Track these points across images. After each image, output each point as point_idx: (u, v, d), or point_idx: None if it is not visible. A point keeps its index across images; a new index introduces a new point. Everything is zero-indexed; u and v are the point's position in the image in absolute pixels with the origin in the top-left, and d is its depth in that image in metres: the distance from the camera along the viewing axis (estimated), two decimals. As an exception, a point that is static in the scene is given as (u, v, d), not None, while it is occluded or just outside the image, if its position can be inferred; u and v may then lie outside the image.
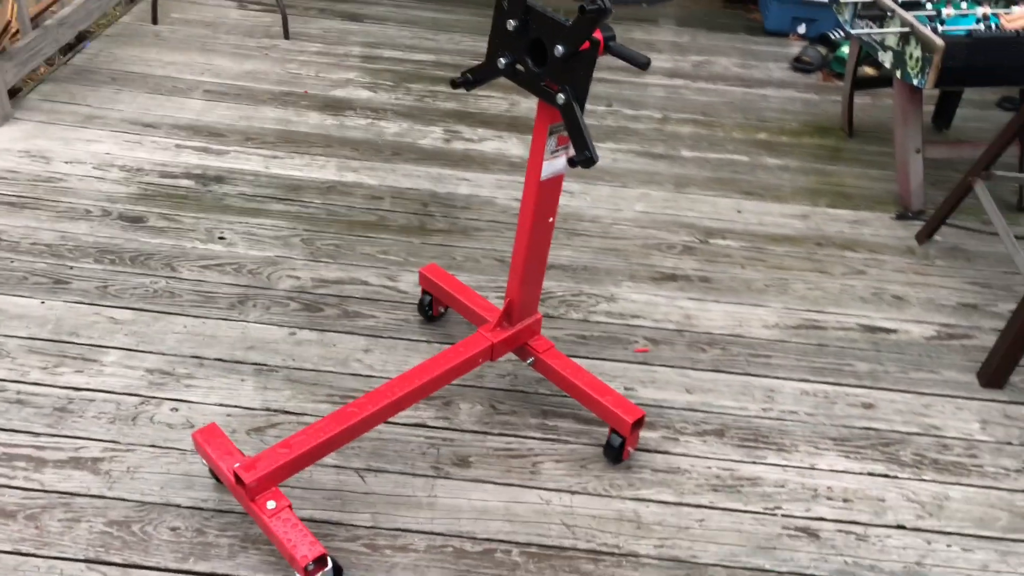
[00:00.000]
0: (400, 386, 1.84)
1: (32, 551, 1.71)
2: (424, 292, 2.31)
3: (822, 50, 3.97)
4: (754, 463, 2.03)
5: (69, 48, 3.52)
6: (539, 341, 2.06)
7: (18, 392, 2.04)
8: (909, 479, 2.02)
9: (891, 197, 3.05)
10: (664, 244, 2.74)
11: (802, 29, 4.19)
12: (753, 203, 2.98)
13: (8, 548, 1.71)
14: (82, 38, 3.61)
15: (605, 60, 3.89)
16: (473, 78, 1.76)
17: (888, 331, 2.46)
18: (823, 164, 3.24)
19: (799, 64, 3.91)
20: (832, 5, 3.13)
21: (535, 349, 2.04)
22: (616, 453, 1.96)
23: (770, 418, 2.15)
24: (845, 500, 1.95)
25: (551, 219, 1.87)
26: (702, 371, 2.27)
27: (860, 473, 2.02)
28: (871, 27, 2.91)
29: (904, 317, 2.51)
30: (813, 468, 2.03)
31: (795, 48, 4.08)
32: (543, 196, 1.80)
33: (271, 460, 1.68)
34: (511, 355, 2.13)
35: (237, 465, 1.66)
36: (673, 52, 4.03)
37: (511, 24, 1.63)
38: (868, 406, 2.21)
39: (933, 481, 2.02)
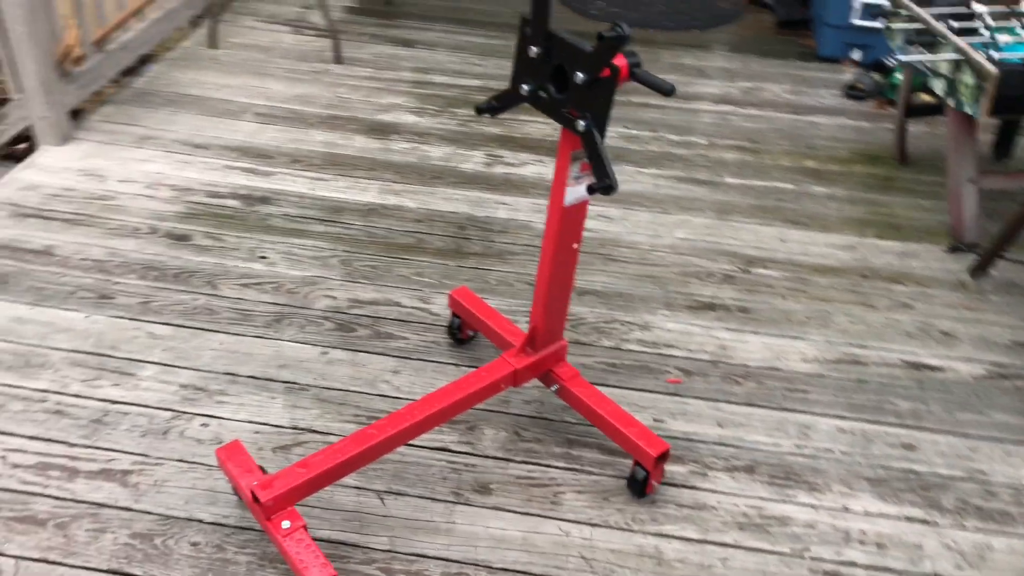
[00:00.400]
0: (420, 409, 1.84)
1: (59, 559, 1.75)
2: (453, 315, 2.32)
3: (876, 77, 3.88)
4: (784, 502, 1.97)
5: (132, 71, 3.65)
6: (564, 368, 2.04)
7: (58, 403, 2.10)
8: (950, 526, 1.93)
9: (944, 229, 2.95)
10: (703, 272, 2.70)
11: (856, 55, 4.10)
12: (798, 232, 2.92)
13: (36, 555, 1.76)
14: (144, 61, 3.74)
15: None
16: (497, 104, 1.76)
17: (934, 368, 2.37)
18: (873, 193, 3.16)
19: (852, 91, 3.83)
20: (884, 31, 3.06)
21: (560, 376, 2.02)
22: (640, 487, 1.93)
23: (803, 455, 2.09)
24: (879, 545, 1.88)
25: (575, 245, 1.85)
26: (735, 404, 2.22)
27: (896, 517, 1.94)
28: (923, 53, 2.83)
29: (952, 354, 2.42)
30: (846, 509, 1.96)
31: (848, 75, 3.99)
32: (566, 222, 1.79)
33: (288, 480, 1.69)
34: (537, 381, 2.12)
35: (254, 483, 1.68)
36: (723, 78, 3.98)
37: (534, 51, 1.64)
38: (908, 447, 2.13)
39: (976, 530, 1.93)
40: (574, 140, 1.67)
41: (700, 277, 2.67)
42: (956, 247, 2.84)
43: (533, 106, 1.71)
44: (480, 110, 1.78)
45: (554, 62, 1.63)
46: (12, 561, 1.74)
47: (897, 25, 2.98)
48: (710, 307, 2.55)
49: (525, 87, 1.69)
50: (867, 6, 3.89)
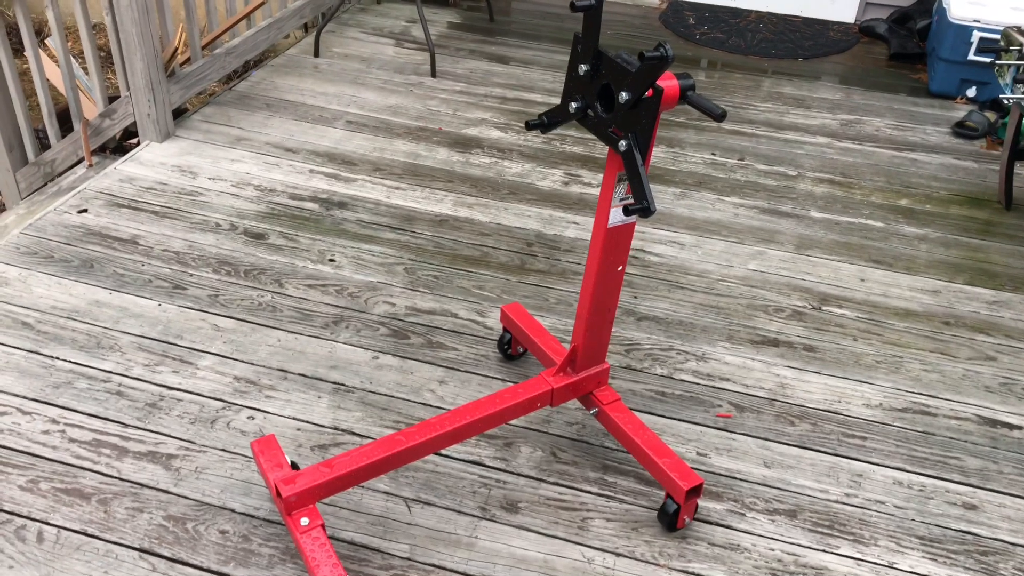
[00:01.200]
0: (451, 420, 1.84)
1: (96, 533, 1.83)
2: (505, 329, 2.31)
3: (990, 115, 3.66)
4: (824, 551, 1.86)
5: (237, 74, 3.82)
6: (605, 392, 2.00)
7: (120, 384, 2.20)
8: (1005, 596, 1.79)
9: (1044, 279, 2.76)
10: (772, 306, 2.60)
11: (972, 92, 3.89)
12: (880, 272, 2.78)
13: (77, 527, 1.84)
14: (250, 66, 3.91)
15: (747, 113, 3.78)
16: (547, 121, 1.75)
17: (1011, 427, 2.21)
18: (969, 237, 2.98)
19: (962, 129, 3.63)
20: (993, 67, 2.89)
21: (599, 400, 1.98)
22: (670, 520, 1.86)
23: (852, 505, 1.97)
24: (922, 608, 1.76)
25: (620, 268, 1.82)
26: (786, 445, 2.13)
27: (946, 580, 1.82)
28: (1031, 92, 2.66)
29: (1034, 413, 2.25)
30: (892, 567, 1.84)
31: (960, 112, 3.79)
32: (610, 243, 1.76)
33: (311, 477, 1.72)
34: (582, 404, 2.08)
35: (278, 478, 1.71)
36: (822, 109, 3.85)
37: (582, 69, 1.62)
38: (970, 507, 1.98)
39: (1035, 602, 1.78)
40: (619, 162, 1.64)
41: (768, 311, 2.58)
42: (1054, 300, 2.65)
43: (580, 124, 1.69)
44: (530, 125, 1.77)
45: (602, 81, 1.61)
46: (55, 530, 1.83)
47: (1007, 62, 2.81)
48: (774, 343, 2.45)
49: (574, 104, 1.67)
50: (983, 40, 3.68)
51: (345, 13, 4.56)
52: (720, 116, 1.55)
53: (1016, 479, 2.06)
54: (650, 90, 1.50)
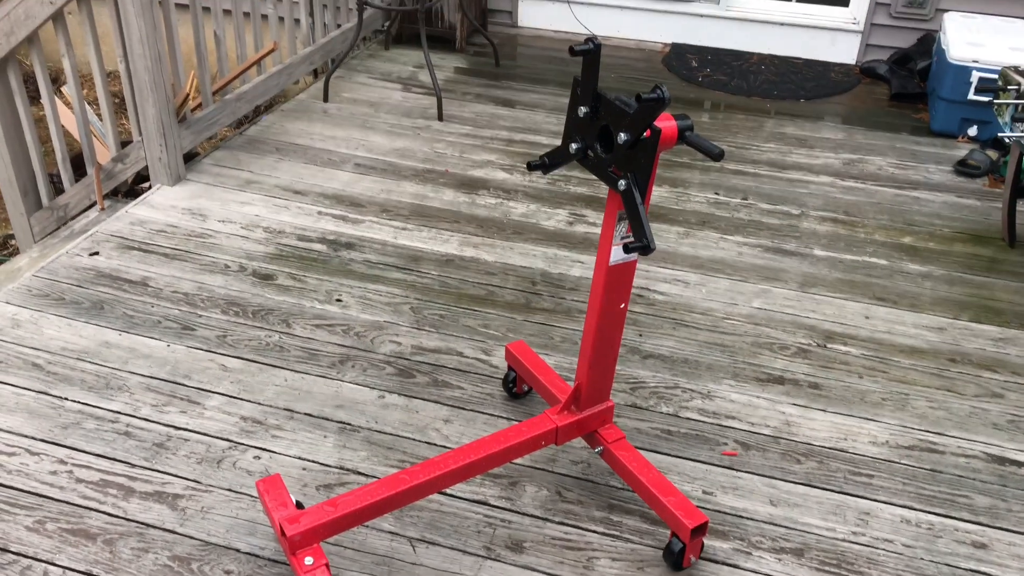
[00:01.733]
0: (455, 459, 1.84)
1: (101, 574, 1.83)
2: (510, 368, 2.32)
3: (992, 154, 3.69)
4: (832, 591, 1.85)
5: (247, 119, 3.89)
6: (609, 430, 2.00)
7: (127, 425, 2.22)
8: (1016, 636, 1.77)
9: (1049, 316, 2.76)
10: (777, 344, 2.60)
11: (973, 131, 3.92)
12: (884, 310, 2.78)
13: (82, 568, 1.84)
14: (260, 110, 3.98)
15: (750, 153, 3.81)
16: (548, 162, 1.78)
17: (1020, 464, 2.19)
18: (973, 275, 2.98)
19: (963, 167, 3.65)
20: (991, 106, 2.92)
21: (604, 438, 1.99)
22: (676, 559, 1.85)
23: (860, 543, 1.96)
24: (932, 648, 1.74)
25: (623, 305, 1.83)
26: (792, 483, 2.12)
27: (956, 620, 1.80)
28: (1029, 131, 2.69)
29: (1042, 450, 2.24)
30: (900, 606, 1.82)
31: (962, 151, 3.82)
32: (612, 281, 1.78)
33: (315, 516, 1.72)
34: (587, 443, 2.09)
35: (282, 517, 1.72)
36: (824, 148, 3.88)
37: (582, 111, 1.65)
38: (980, 546, 1.96)
39: (1046, 642, 1.76)
40: (619, 201, 1.67)
41: (773, 349, 2.58)
42: (1060, 336, 2.64)
43: (581, 164, 1.72)
44: (532, 166, 1.81)
45: (601, 122, 1.64)
46: (60, 571, 1.83)
47: (1005, 101, 2.84)
48: (779, 380, 2.45)
49: (574, 145, 1.71)
50: (982, 80, 3.72)
51: (354, 59, 4.65)
52: (718, 156, 1.58)
53: (1025, 517, 2.04)
54: (648, 130, 1.53)
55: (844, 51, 4.82)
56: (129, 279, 2.78)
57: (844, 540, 1.97)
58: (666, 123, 1.57)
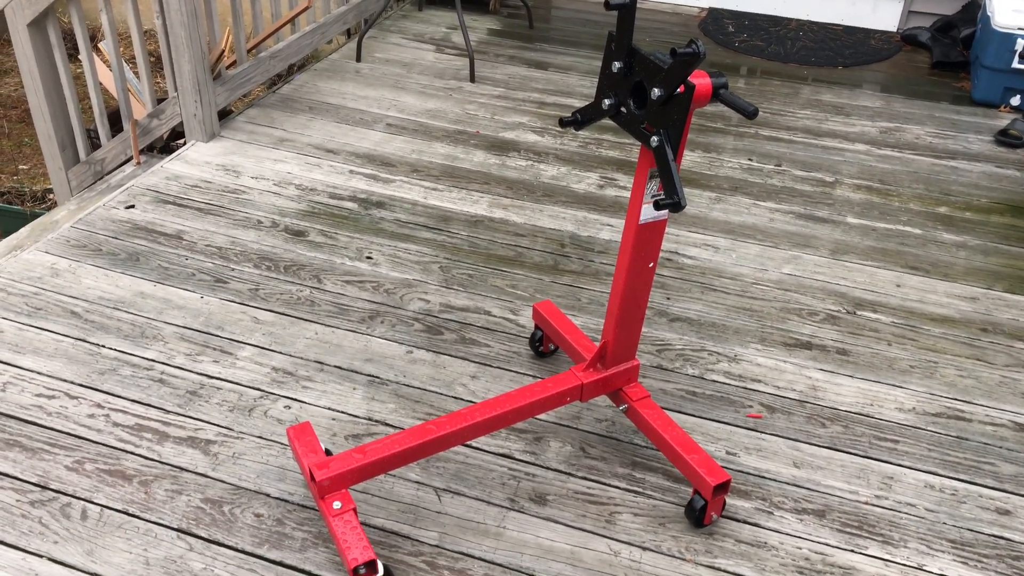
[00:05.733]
0: (481, 411, 1.87)
1: (137, 513, 1.89)
2: (536, 327, 2.34)
3: (1034, 124, 3.62)
4: (852, 551, 1.86)
5: (281, 77, 3.91)
6: (635, 388, 2.02)
7: (162, 372, 2.27)
8: (1037, 601, 1.77)
9: (1085, 288, 2.72)
10: (806, 310, 2.59)
11: (1016, 101, 3.84)
12: (917, 278, 2.76)
13: (119, 507, 1.90)
14: (293, 69, 4.00)
15: (785, 119, 3.77)
16: (581, 118, 1.78)
17: (1048, 434, 2.18)
18: (1009, 245, 2.94)
19: (1004, 138, 3.59)
20: (1035, 74, 2.87)
21: (629, 396, 2.00)
22: (697, 516, 1.87)
23: (882, 507, 1.97)
24: (951, 610, 1.75)
25: (651, 264, 1.84)
26: (816, 446, 2.12)
27: (977, 584, 1.80)
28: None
29: (1072, 421, 2.22)
30: (921, 569, 1.83)
31: (1003, 121, 3.74)
32: (642, 239, 1.78)
33: (344, 463, 1.76)
34: (611, 401, 2.10)
35: (312, 462, 1.76)
36: (861, 116, 3.83)
37: (616, 66, 1.65)
38: (1003, 512, 1.96)
39: (1067, 608, 1.76)
40: (651, 158, 1.67)
41: (801, 315, 2.57)
42: (1096, 308, 2.61)
43: (614, 120, 1.71)
44: (564, 123, 1.81)
45: (635, 78, 1.63)
46: (98, 509, 1.89)
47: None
48: (807, 346, 2.45)
49: (607, 101, 1.70)
50: (1027, 48, 3.64)
51: (387, 20, 4.64)
52: (752, 114, 1.57)
53: (1051, 486, 2.04)
54: (682, 87, 1.53)
55: (885, 18, 4.73)
56: (164, 232, 2.82)
57: (867, 503, 1.97)
58: (700, 80, 1.56)
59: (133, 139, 3.26)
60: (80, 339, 2.36)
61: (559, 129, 3.60)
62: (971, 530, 1.92)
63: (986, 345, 2.48)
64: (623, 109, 1.68)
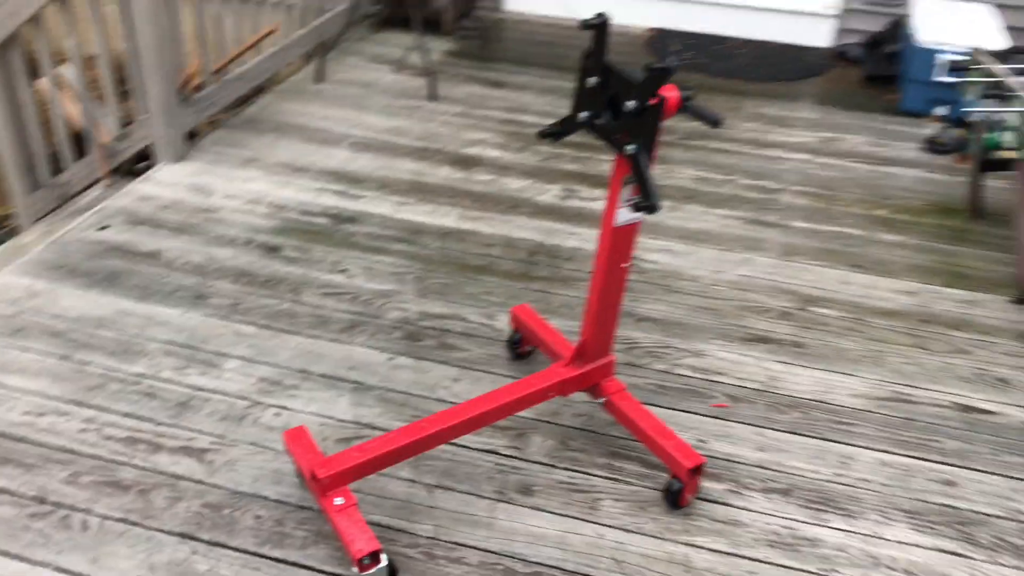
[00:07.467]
0: (470, 409, 1.98)
1: (138, 520, 1.95)
2: (514, 330, 2.46)
3: (959, 132, 3.87)
4: (817, 525, 2.02)
5: (245, 99, 3.98)
6: (611, 383, 2.15)
7: (150, 386, 2.33)
8: (983, 561, 1.94)
9: (1011, 281, 2.94)
10: (761, 307, 2.77)
11: (941, 111, 4.10)
12: (861, 276, 2.96)
13: (119, 516, 1.96)
14: (257, 92, 4.07)
15: (731, 132, 3.96)
16: (559, 129, 1.92)
17: (986, 412, 2.38)
18: (943, 244, 3.17)
19: (933, 145, 3.84)
20: (958, 86, 3.10)
21: (606, 390, 2.14)
22: (675, 498, 2.01)
23: (842, 484, 2.13)
24: (908, 572, 1.91)
25: (625, 265, 1.97)
26: (778, 431, 2.28)
27: (929, 548, 1.97)
28: (994, 106, 2.86)
29: (1006, 400, 2.42)
30: (879, 537, 1.99)
31: (931, 129, 4.00)
32: (617, 242, 1.92)
33: (344, 460, 1.85)
34: (588, 397, 2.23)
35: (313, 461, 1.84)
36: (803, 128, 4.06)
37: (591, 81, 1.79)
38: (950, 483, 2.14)
39: (1011, 567, 1.94)
40: (627, 166, 1.81)
41: (757, 312, 2.75)
42: (1021, 299, 2.83)
43: (590, 132, 1.85)
44: (542, 135, 1.94)
45: (609, 92, 1.77)
46: (97, 519, 1.95)
47: (972, 79, 3.02)
48: (764, 340, 2.62)
49: (583, 114, 1.84)
50: (950, 62, 3.91)
51: (344, 42, 4.74)
52: (717, 122, 1.73)
53: (991, 458, 2.22)
54: (655, 98, 1.67)
55: (819, 35, 5.00)
56: (140, 252, 2.88)
57: (827, 480, 2.14)
58: (669, 92, 1.71)
59: (101, 161, 3.30)
60: (65, 357, 2.41)
61: (519, 145, 3.74)
62: (922, 500, 2.09)
63: (926, 334, 2.68)
64: (598, 121, 1.82)
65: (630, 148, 1.72)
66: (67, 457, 2.10)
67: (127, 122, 3.53)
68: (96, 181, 3.39)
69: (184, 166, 3.41)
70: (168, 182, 3.30)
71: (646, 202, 1.71)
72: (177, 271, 2.79)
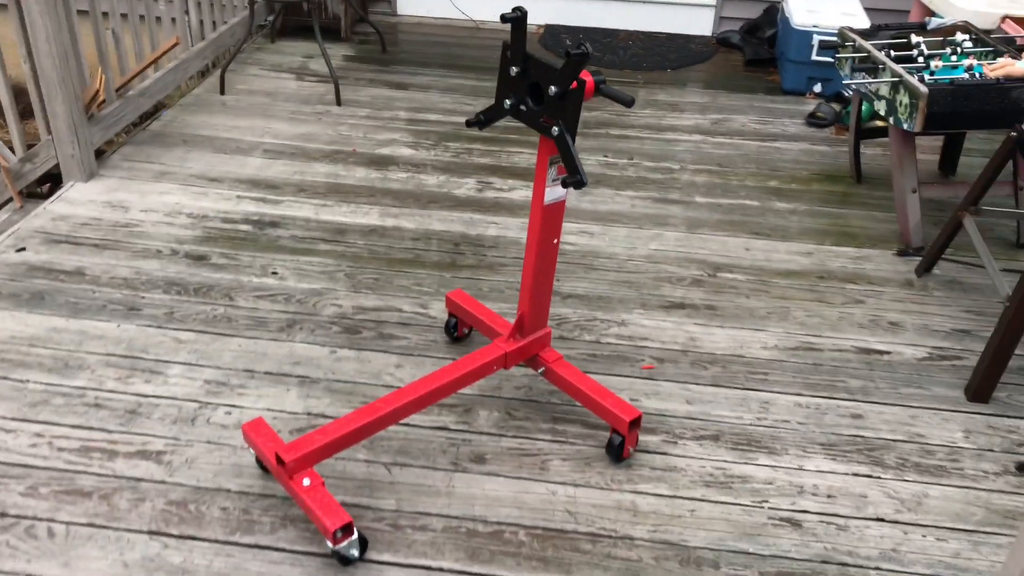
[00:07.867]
0: (421, 387, 2.10)
1: (104, 523, 1.98)
2: (450, 315, 2.58)
3: (836, 106, 4.21)
4: (746, 464, 2.22)
5: (148, 115, 3.96)
6: (549, 352, 2.30)
7: (96, 398, 2.35)
8: (891, 479, 2.18)
9: (894, 236, 3.25)
10: (674, 277, 2.97)
11: (818, 88, 4.45)
12: (761, 242, 3.21)
13: (84, 521, 1.99)
14: (159, 107, 4.06)
15: (629, 119, 4.17)
16: (484, 118, 2.05)
17: (882, 353, 2.64)
18: (830, 208, 3.46)
19: (813, 120, 4.16)
20: (834, 61, 3.39)
21: (545, 359, 2.28)
22: (617, 451, 2.17)
23: (764, 426, 2.34)
24: (829, 496, 2.13)
25: (556, 240, 2.13)
26: (703, 386, 2.48)
27: (845, 473, 2.20)
28: (866, 79, 3.15)
29: (898, 341, 2.69)
30: (801, 469, 2.21)
31: (810, 105, 4.33)
32: (547, 219, 2.07)
33: (308, 443, 1.94)
34: (526, 369, 2.38)
35: (278, 447, 1.92)
36: (695, 111, 4.32)
37: (513, 70, 1.93)
38: (857, 416, 2.38)
39: (914, 481, 2.18)
40: (551, 147, 1.96)
41: (672, 281, 2.95)
42: (904, 251, 3.13)
43: (515, 117, 1.99)
44: (470, 123, 2.07)
45: (531, 79, 1.92)
46: (63, 526, 1.97)
47: (845, 55, 3.31)
48: (680, 306, 2.82)
49: (507, 102, 1.98)
50: (823, 41, 4.24)
51: (242, 53, 4.75)
52: (630, 102, 1.89)
53: (889, 392, 2.48)
54: (574, 83, 1.83)
55: (701, 24, 5.30)
56: (64, 270, 2.86)
57: (751, 424, 2.34)
58: (587, 77, 1.87)
59: (10, 184, 3.25)
60: (1, 377, 2.39)
61: (431, 143, 3.86)
62: (835, 433, 2.32)
63: (824, 289, 2.94)
64: (523, 107, 1.96)
65: (555, 130, 1.87)
66: (21, 471, 2.11)
67: (30, 144, 3.47)
68: (6, 202, 3.33)
69: (95, 184, 3.39)
70: (81, 200, 3.27)
71: (573, 177, 1.86)
72: (105, 286, 2.79)
